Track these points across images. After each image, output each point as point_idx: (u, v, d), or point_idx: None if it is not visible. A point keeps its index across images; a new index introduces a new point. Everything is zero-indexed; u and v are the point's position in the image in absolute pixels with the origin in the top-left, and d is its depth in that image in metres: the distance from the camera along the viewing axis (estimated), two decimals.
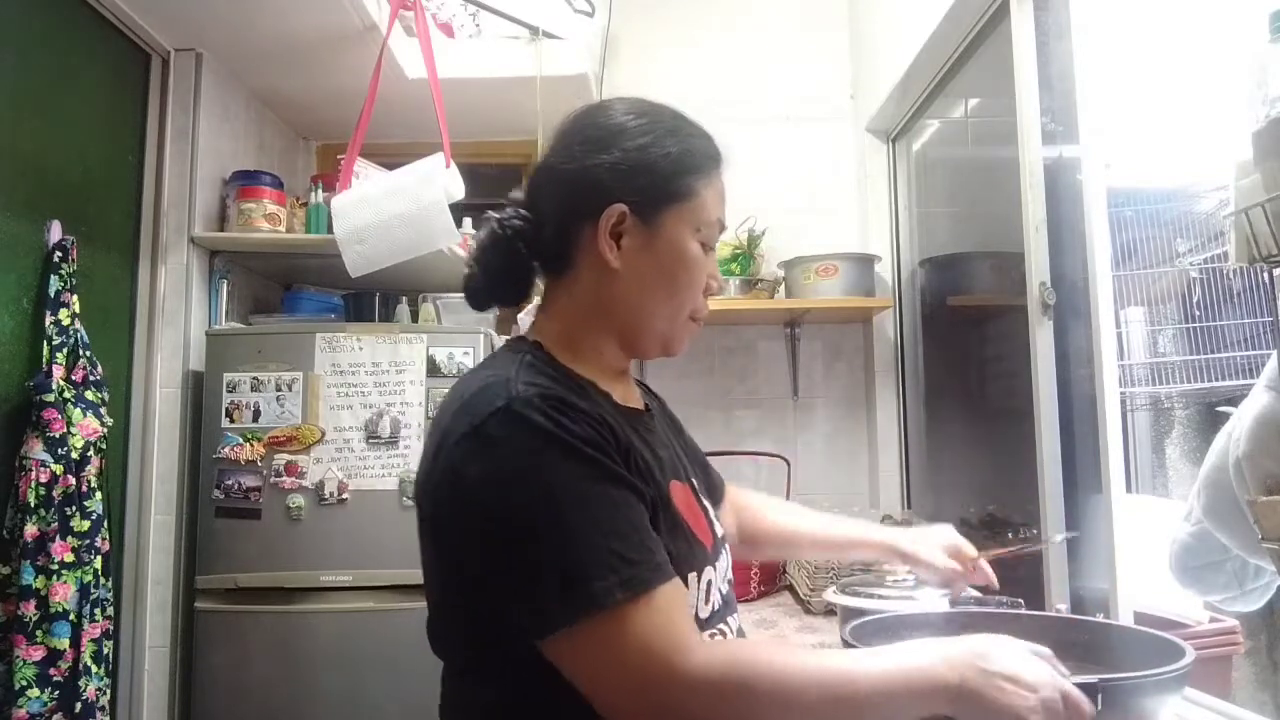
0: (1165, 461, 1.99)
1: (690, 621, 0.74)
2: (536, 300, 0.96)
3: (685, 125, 0.91)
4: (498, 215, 0.90)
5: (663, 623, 0.69)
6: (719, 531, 0.95)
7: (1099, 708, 0.70)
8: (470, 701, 0.81)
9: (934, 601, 1.26)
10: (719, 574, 0.89)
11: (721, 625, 0.88)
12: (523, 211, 0.90)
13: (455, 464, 0.75)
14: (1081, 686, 0.70)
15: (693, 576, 0.82)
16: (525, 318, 1.89)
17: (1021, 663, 0.70)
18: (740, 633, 0.93)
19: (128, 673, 2.12)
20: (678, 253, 0.87)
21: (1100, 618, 1.07)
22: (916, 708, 0.69)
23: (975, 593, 1.18)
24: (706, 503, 0.96)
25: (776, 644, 0.76)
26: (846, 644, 0.94)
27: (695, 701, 0.68)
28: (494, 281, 0.91)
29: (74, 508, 1.75)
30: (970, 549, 1.13)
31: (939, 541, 1.13)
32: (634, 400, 0.95)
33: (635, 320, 0.89)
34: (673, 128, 0.89)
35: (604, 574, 0.68)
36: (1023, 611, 1.14)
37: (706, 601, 0.85)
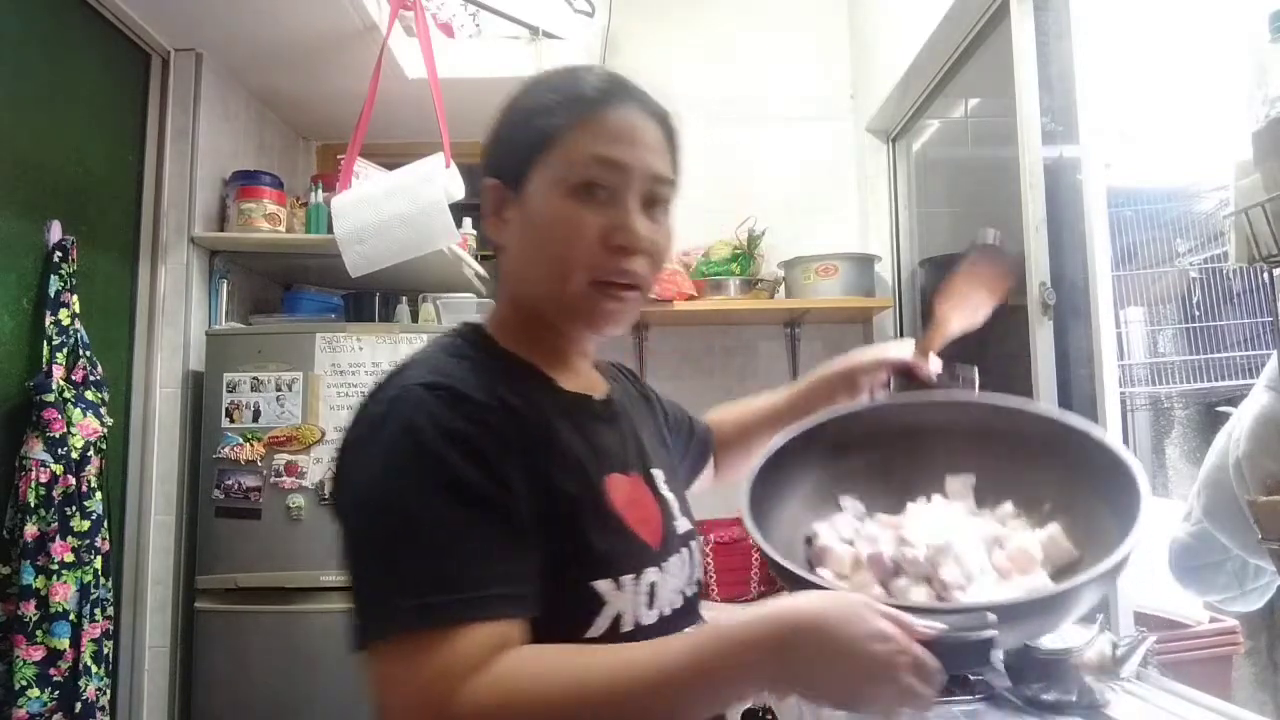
0: (1165, 461, 1.99)
1: (487, 657, 0.62)
2: None
3: (560, 78, 0.81)
4: None
5: (454, 663, 0.61)
6: (681, 527, 0.85)
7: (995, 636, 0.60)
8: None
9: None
10: (671, 574, 0.80)
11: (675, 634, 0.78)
12: None
13: (337, 459, 0.73)
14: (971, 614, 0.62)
15: (628, 578, 0.74)
16: None
17: (837, 611, 0.61)
18: None
19: (128, 673, 2.12)
20: (543, 212, 0.76)
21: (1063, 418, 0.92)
22: (739, 689, 0.63)
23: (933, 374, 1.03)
24: (669, 494, 0.86)
25: (558, 657, 0.65)
26: (751, 485, 0.86)
27: None
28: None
29: (74, 508, 1.75)
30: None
31: (876, 346, 1.08)
32: (589, 385, 0.87)
33: (529, 294, 0.81)
34: (542, 87, 0.81)
35: (412, 598, 0.63)
36: (964, 400, 0.99)
37: (650, 606, 0.75)
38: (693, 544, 0.87)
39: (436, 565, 0.64)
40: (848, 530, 0.90)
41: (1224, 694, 1.42)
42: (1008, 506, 0.90)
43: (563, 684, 0.63)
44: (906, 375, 1.02)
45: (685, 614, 0.82)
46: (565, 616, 0.71)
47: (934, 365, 1.02)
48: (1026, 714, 1.26)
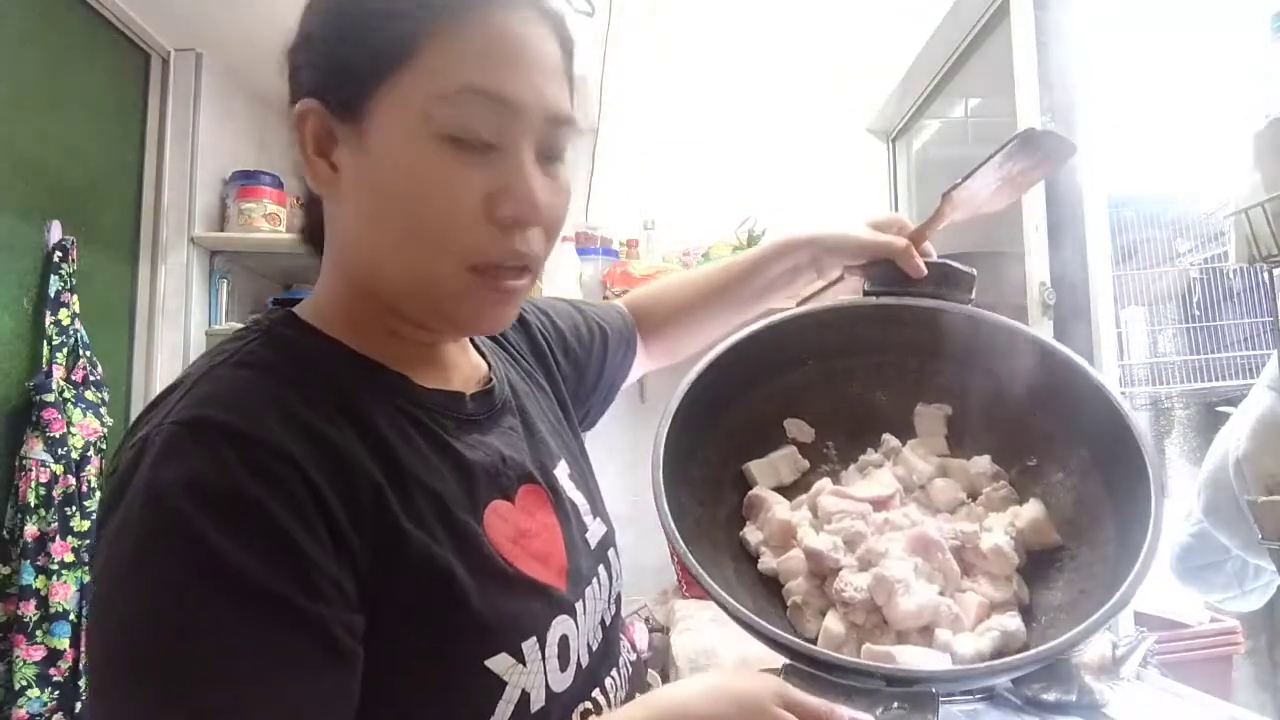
0: (1165, 461, 1.99)
1: None
2: None
3: None
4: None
5: None
6: (594, 536, 0.68)
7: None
8: None
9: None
10: (587, 613, 0.63)
11: (595, 694, 0.64)
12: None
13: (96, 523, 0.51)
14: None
15: (530, 643, 0.56)
16: None
17: (733, 703, 0.51)
18: (629, 686, 0.70)
19: None
20: (396, 160, 0.52)
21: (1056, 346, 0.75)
22: None
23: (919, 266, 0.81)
24: (575, 495, 0.69)
25: None
26: (665, 440, 0.69)
27: None
28: (308, 218, 0.65)
29: (74, 508, 1.75)
30: (903, 222, 0.82)
31: (857, 224, 0.82)
32: (462, 376, 0.65)
33: (371, 274, 0.57)
34: None
35: None
36: (953, 309, 0.78)
37: (563, 669, 0.59)
38: (610, 553, 0.70)
39: (196, 704, 0.42)
40: (789, 472, 0.76)
41: (1224, 694, 1.42)
42: (984, 462, 0.75)
43: None
44: (887, 265, 0.80)
45: (605, 655, 0.66)
46: (457, 704, 0.53)
47: (923, 258, 0.81)
48: (1026, 714, 1.26)
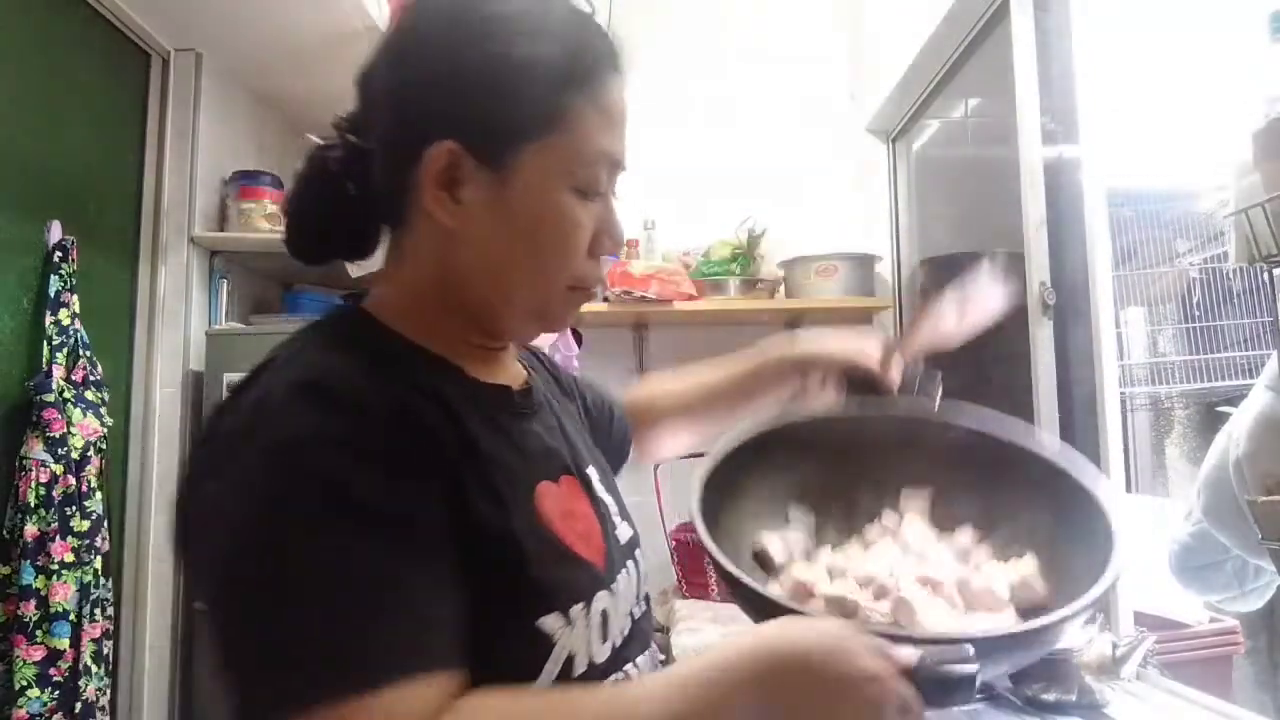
0: (1165, 461, 1.99)
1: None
2: None
3: (552, 18, 0.64)
4: (319, 141, 0.68)
5: None
6: (623, 535, 0.73)
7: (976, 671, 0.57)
8: None
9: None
10: (620, 596, 0.68)
11: (629, 667, 0.67)
12: (350, 138, 0.66)
13: (187, 485, 0.57)
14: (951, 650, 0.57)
15: (578, 610, 0.61)
16: None
17: (831, 648, 0.55)
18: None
19: (128, 673, 2.12)
20: (541, 206, 0.62)
21: (1040, 450, 0.84)
22: None
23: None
24: (606, 496, 0.75)
25: (532, 701, 0.56)
26: (702, 493, 0.76)
27: None
28: (318, 230, 0.68)
29: (74, 508, 1.75)
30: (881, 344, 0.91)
31: (839, 337, 0.91)
32: (507, 375, 0.72)
33: (487, 297, 0.65)
34: (535, 20, 0.63)
35: (322, 663, 0.50)
36: (929, 418, 0.89)
37: (604, 639, 0.64)
38: (636, 554, 0.75)
39: (345, 616, 0.50)
40: (799, 547, 0.83)
41: (1224, 694, 1.42)
42: (966, 532, 0.83)
43: None
44: (866, 378, 0.90)
45: (635, 641, 0.70)
46: (507, 666, 0.57)
47: (897, 371, 0.90)
48: (1026, 714, 1.26)
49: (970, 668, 0.56)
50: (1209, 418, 1.87)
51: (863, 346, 0.91)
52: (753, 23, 2.85)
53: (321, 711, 0.49)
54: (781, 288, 2.58)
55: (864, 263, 2.53)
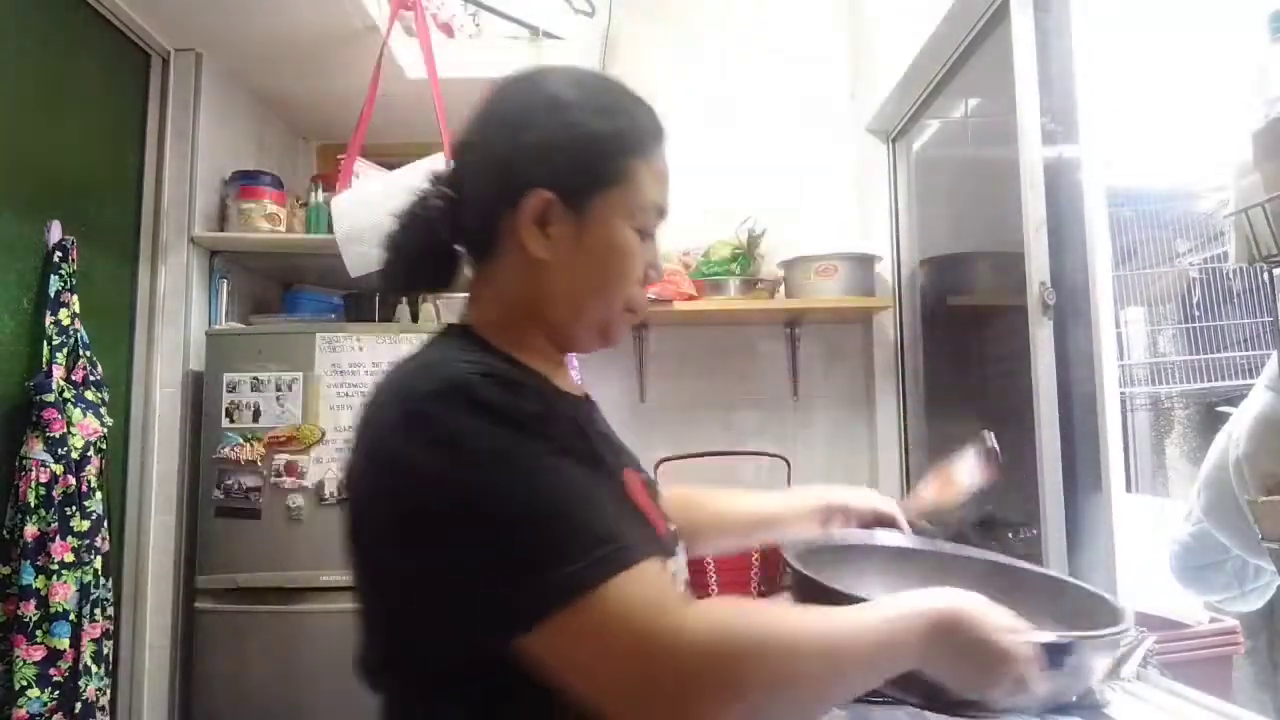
0: (1165, 461, 1.99)
1: (674, 589, 0.71)
2: None
3: (621, 99, 0.84)
4: (418, 193, 0.84)
5: (650, 595, 0.64)
6: (671, 526, 0.89)
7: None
8: None
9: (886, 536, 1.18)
10: (679, 568, 0.85)
11: None
12: (445, 190, 0.83)
13: (392, 456, 0.68)
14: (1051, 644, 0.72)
15: (669, 562, 0.80)
16: None
17: (994, 622, 0.71)
18: None
19: (128, 673, 2.13)
20: (610, 243, 0.80)
21: (1040, 568, 1.07)
22: (897, 665, 0.70)
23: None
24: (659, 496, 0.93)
25: (762, 607, 0.75)
26: (793, 570, 0.89)
27: (693, 664, 0.61)
28: (411, 265, 0.84)
29: (74, 508, 1.75)
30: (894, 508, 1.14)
31: (862, 493, 1.14)
32: (575, 388, 0.90)
33: (567, 315, 0.82)
34: (605, 103, 0.82)
35: (576, 556, 0.62)
36: (955, 552, 1.10)
37: None
38: (679, 549, 0.88)
39: (587, 520, 0.65)
40: None
41: (1224, 694, 1.42)
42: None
43: (775, 621, 0.67)
44: (888, 524, 1.12)
45: None
46: None
47: (906, 523, 1.12)
48: (1027, 713, 1.26)
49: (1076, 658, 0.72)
50: (1209, 418, 1.87)
51: (886, 503, 1.12)
52: (753, 23, 2.85)
53: (593, 597, 0.62)
54: (781, 288, 2.58)
55: (864, 263, 2.53)
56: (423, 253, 0.83)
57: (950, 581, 1.01)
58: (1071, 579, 0.99)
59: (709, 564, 2.33)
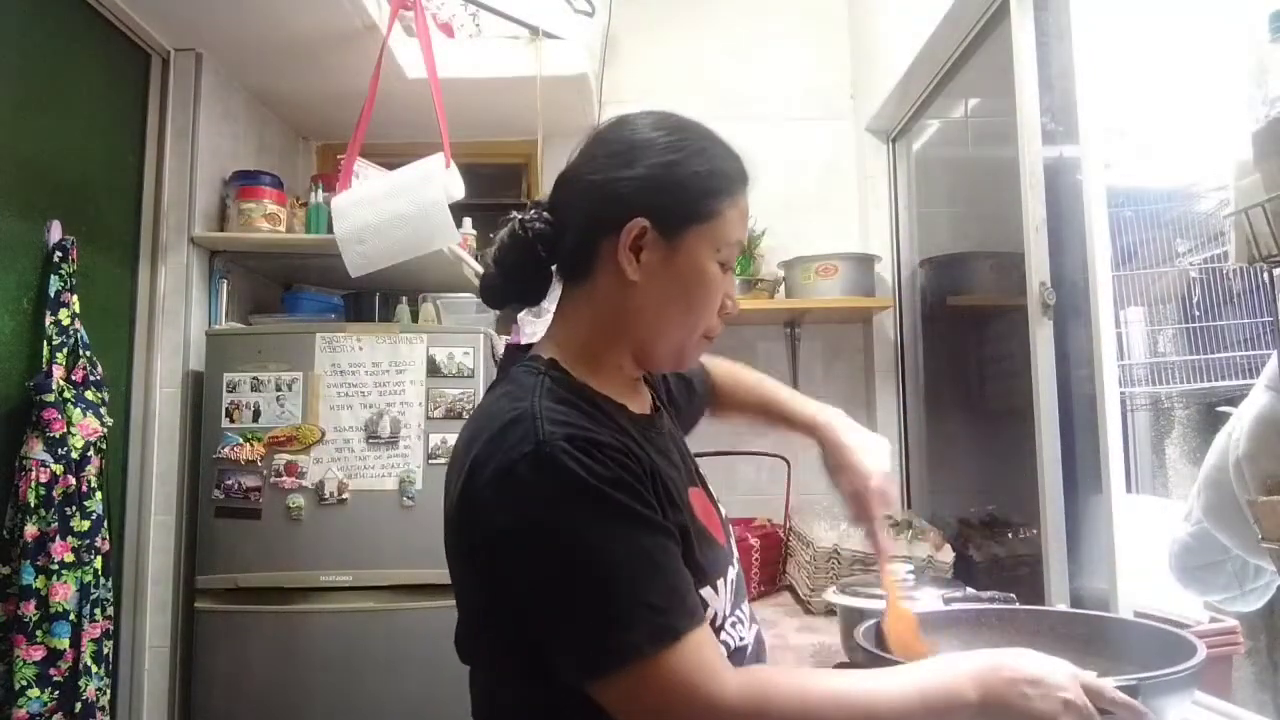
0: (1165, 461, 1.99)
1: (721, 657, 0.76)
2: (546, 305, 0.97)
3: (715, 145, 0.92)
4: (521, 216, 0.91)
5: (695, 663, 0.71)
6: (729, 526, 0.98)
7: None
8: (514, 702, 0.83)
9: (933, 600, 1.26)
10: (735, 568, 0.93)
11: (737, 613, 0.91)
12: (546, 215, 0.91)
13: (489, 504, 0.76)
14: (1121, 688, 0.74)
15: (721, 583, 0.86)
16: (525, 317, 1.90)
17: (1042, 666, 0.74)
18: (751, 616, 0.96)
19: (128, 673, 2.12)
20: (697, 271, 0.88)
21: (1099, 612, 1.11)
22: None
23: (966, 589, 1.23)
24: (716, 498, 0.99)
25: (801, 670, 0.85)
26: (862, 649, 0.96)
27: None
28: (510, 281, 0.93)
29: (74, 508, 1.75)
30: (885, 503, 1.13)
31: (869, 465, 1.15)
32: (646, 405, 0.97)
33: (650, 334, 0.90)
34: (701, 147, 0.90)
35: (635, 626, 0.70)
36: (1020, 607, 1.16)
37: (733, 606, 0.89)
38: (733, 541, 0.98)
39: (640, 595, 0.72)
40: None
41: (1224, 694, 1.42)
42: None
43: (814, 687, 0.73)
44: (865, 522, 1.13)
45: (739, 594, 0.93)
46: None
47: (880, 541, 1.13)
48: None
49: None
50: (1209, 418, 1.87)
51: (876, 499, 1.12)
52: (752, 23, 2.86)
53: (653, 660, 0.70)
54: (781, 287, 2.58)
55: (864, 262, 2.53)
56: (522, 269, 0.91)
57: (1020, 641, 1.03)
58: (1141, 619, 1.03)
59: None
